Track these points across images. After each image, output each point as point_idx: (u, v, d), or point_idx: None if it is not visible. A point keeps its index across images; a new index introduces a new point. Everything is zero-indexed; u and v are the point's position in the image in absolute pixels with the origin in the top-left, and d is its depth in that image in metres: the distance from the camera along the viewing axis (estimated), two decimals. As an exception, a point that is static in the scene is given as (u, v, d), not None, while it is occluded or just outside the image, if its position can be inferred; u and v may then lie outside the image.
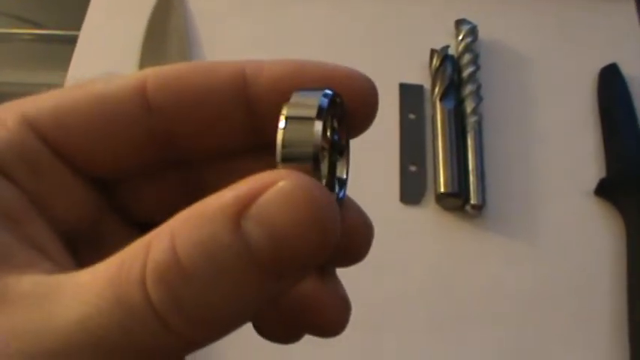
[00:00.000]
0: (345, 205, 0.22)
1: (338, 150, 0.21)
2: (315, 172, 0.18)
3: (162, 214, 0.23)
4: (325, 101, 0.19)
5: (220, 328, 0.17)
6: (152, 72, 0.22)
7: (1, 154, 0.20)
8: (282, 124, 0.19)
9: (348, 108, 0.21)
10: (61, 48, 0.67)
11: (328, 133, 0.21)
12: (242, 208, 0.17)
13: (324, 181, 0.20)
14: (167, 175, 0.24)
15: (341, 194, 0.21)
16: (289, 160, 0.18)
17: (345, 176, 0.22)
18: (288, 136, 0.19)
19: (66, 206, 0.22)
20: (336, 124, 0.21)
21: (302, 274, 0.18)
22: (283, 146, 0.18)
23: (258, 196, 0.17)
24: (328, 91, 0.20)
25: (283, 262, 0.17)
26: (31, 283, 0.18)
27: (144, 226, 0.23)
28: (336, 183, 0.21)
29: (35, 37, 0.72)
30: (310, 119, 0.19)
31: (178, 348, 0.17)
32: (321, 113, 0.19)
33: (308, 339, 0.53)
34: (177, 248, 0.17)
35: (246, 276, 0.17)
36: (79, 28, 0.65)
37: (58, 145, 0.21)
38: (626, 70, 0.63)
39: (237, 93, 0.21)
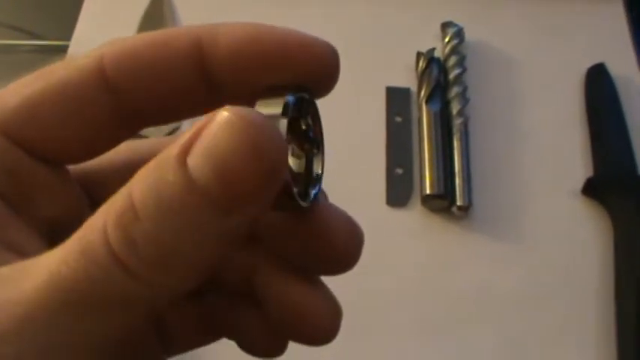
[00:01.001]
0: (330, 211, 0.22)
1: (314, 145, 0.22)
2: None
3: None
4: (291, 99, 0.20)
5: (178, 269, 0.17)
6: (108, 50, 0.21)
7: None
8: None
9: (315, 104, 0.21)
10: (58, 59, 0.67)
11: (304, 128, 0.21)
12: (187, 146, 0.17)
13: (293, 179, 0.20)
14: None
15: (316, 189, 0.21)
16: None
17: (320, 172, 0.22)
18: None
19: (48, 204, 0.22)
20: (310, 121, 0.21)
21: (252, 208, 0.17)
22: None
23: (200, 133, 0.17)
24: (293, 91, 0.20)
25: (228, 191, 0.17)
26: (5, 269, 0.18)
27: None
28: (312, 181, 0.21)
29: (33, 48, 0.73)
30: (276, 117, 0.19)
31: (143, 294, 0.18)
32: (286, 111, 0.19)
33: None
34: (132, 194, 0.17)
35: (194, 210, 0.17)
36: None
37: (28, 142, 0.21)
38: (614, 69, 0.63)
39: (193, 62, 0.21)
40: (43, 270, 0.17)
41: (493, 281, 0.54)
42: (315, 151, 0.22)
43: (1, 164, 0.21)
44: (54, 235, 0.22)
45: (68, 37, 0.67)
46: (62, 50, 0.67)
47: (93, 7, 0.68)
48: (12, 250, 0.20)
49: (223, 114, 0.17)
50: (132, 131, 0.23)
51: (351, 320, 0.51)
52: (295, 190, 0.20)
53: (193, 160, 0.17)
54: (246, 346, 0.24)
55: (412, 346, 0.51)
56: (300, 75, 0.21)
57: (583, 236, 0.56)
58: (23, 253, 0.19)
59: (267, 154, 0.17)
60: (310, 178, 0.22)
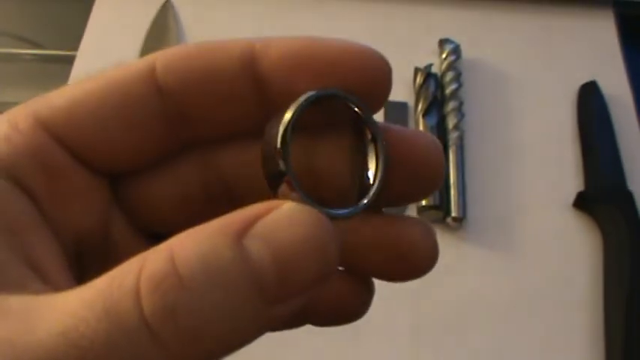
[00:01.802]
0: (399, 131, 0.21)
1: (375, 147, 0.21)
2: (285, 167, 0.18)
3: (174, 219, 0.23)
4: (293, 109, 0.19)
5: (211, 347, 0.16)
6: (161, 54, 0.21)
7: (15, 160, 0.20)
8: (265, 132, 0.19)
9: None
10: (61, 68, 0.66)
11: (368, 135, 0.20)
12: (245, 226, 0.17)
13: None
14: (181, 171, 0.23)
15: (362, 203, 0.20)
16: (265, 157, 0.19)
17: (376, 184, 0.20)
18: (265, 143, 0.19)
19: (79, 209, 0.21)
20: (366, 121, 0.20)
21: (299, 301, 0.17)
22: (262, 148, 0.19)
23: (260, 217, 0.17)
24: (311, 93, 0.19)
25: (282, 282, 0.16)
26: (18, 302, 0.17)
27: (153, 236, 0.23)
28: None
29: (36, 57, 0.73)
30: (281, 122, 0.19)
31: None
32: (292, 116, 0.19)
33: (287, 344, 0.54)
34: (175, 259, 0.16)
35: (244, 293, 0.16)
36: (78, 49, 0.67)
37: (73, 143, 0.20)
38: (605, 87, 0.65)
39: (245, 70, 0.20)
40: (57, 319, 0.16)
41: (485, 291, 0.55)
42: (375, 156, 0.21)
43: (40, 162, 0.20)
44: (80, 245, 0.21)
45: (71, 47, 0.67)
46: (65, 60, 0.67)
47: (100, 17, 0.69)
48: (30, 267, 0.18)
49: (289, 204, 0.17)
50: (178, 141, 0.22)
51: (346, 328, 0.52)
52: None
53: (252, 243, 0.16)
54: (327, 314, 0.23)
55: (406, 353, 0.52)
56: (350, 84, 0.20)
57: (573, 248, 0.57)
58: (41, 270, 0.19)
59: (328, 254, 0.17)
60: (363, 188, 0.21)
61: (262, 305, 0.16)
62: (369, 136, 0.21)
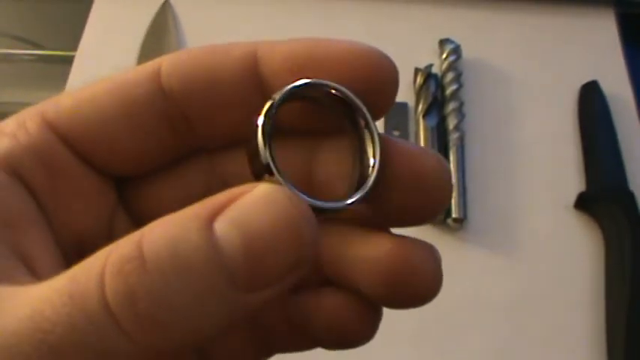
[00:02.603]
0: (409, 149, 0.20)
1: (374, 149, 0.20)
2: (263, 154, 0.18)
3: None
4: (282, 94, 0.19)
5: (176, 335, 0.16)
6: (167, 57, 0.21)
7: (20, 158, 0.20)
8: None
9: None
10: (60, 68, 0.67)
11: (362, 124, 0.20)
12: (215, 211, 0.16)
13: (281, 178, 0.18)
14: (187, 175, 0.23)
15: (356, 197, 0.20)
16: (248, 148, 0.19)
17: (370, 182, 0.20)
18: (249, 139, 0.19)
19: (81, 210, 0.21)
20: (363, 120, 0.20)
21: (272, 291, 0.16)
22: (247, 148, 0.19)
23: (233, 201, 0.16)
24: (288, 87, 0.19)
25: (253, 269, 0.16)
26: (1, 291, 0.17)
27: None
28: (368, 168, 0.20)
29: (35, 58, 0.73)
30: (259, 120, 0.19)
31: (129, 352, 0.16)
32: (268, 111, 0.19)
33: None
34: (142, 244, 0.16)
35: (211, 279, 0.15)
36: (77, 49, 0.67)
37: (78, 143, 0.21)
38: (606, 87, 0.65)
39: (249, 73, 0.20)
40: (26, 304, 0.16)
41: (486, 292, 0.55)
42: (372, 151, 0.20)
43: (43, 160, 0.20)
44: (82, 245, 0.21)
45: (70, 47, 0.67)
46: (64, 60, 0.67)
47: (99, 18, 0.69)
48: (21, 259, 0.18)
49: (264, 186, 0.16)
50: (183, 144, 0.22)
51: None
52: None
53: (221, 226, 0.16)
54: (331, 341, 0.22)
55: (407, 354, 0.52)
56: (356, 87, 0.20)
57: (575, 249, 0.57)
58: (32, 264, 0.19)
59: (303, 240, 0.16)
60: (359, 182, 0.20)
61: (232, 293, 0.16)
62: (366, 134, 0.20)
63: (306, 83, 0.19)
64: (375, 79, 0.20)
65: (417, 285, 0.21)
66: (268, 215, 0.16)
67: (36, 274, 0.18)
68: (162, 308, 0.15)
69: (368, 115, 0.20)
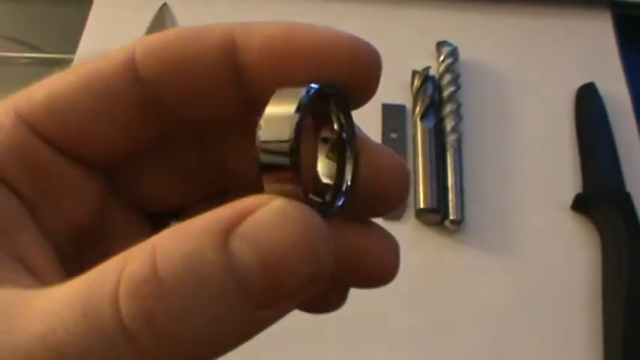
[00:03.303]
0: (372, 148, 0.20)
1: (347, 150, 0.20)
2: (292, 164, 0.17)
3: (169, 197, 0.23)
4: (305, 95, 0.18)
5: (192, 353, 0.16)
6: (140, 42, 0.20)
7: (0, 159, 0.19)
8: (261, 120, 0.18)
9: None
10: (58, 71, 0.67)
11: (336, 128, 0.20)
12: (230, 226, 0.16)
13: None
14: (169, 154, 0.23)
15: (341, 200, 0.20)
16: (266, 150, 0.17)
17: (349, 181, 0.20)
18: (266, 133, 0.18)
19: (70, 202, 0.21)
20: (343, 121, 0.20)
21: (288, 306, 0.16)
22: (262, 141, 0.18)
23: (247, 215, 0.16)
24: (313, 86, 0.18)
25: (270, 286, 0.16)
26: (3, 295, 0.16)
27: (152, 216, 0.23)
28: (342, 183, 0.20)
29: (33, 61, 0.73)
30: (291, 105, 0.18)
31: None
32: (300, 108, 0.18)
33: (285, 348, 0.54)
34: (157, 261, 0.15)
35: (228, 297, 0.15)
36: (76, 52, 0.67)
37: (55, 137, 0.20)
38: (603, 88, 0.65)
39: (225, 60, 0.20)
40: (37, 319, 0.16)
41: (484, 293, 0.55)
42: (348, 155, 0.20)
43: (24, 160, 0.20)
44: (77, 237, 0.21)
45: (68, 50, 0.67)
46: (62, 63, 0.67)
47: (97, 20, 0.69)
48: (19, 261, 0.18)
49: (277, 202, 0.16)
50: (158, 130, 0.21)
51: (345, 330, 0.52)
52: (317, 199, 0.19)
53: (237, 243, 0.15)
54: (303, 304, 0.22)
55: (405, 355, 0.52)
56: (337, 77, 0.19)
57: (572, 250, 0.57)
58: (30, 265, 0.18)
59: (319, 257, 0.16)
60: (339, 187, 0.20)
61: (248, 310, 0.16)
62: (343, 136, 0.20)
63: (325, 90, 0.19)
64: (360, 69, 0.19)
65: (372, 272, 0.21)
66: (284, 233, 0.16)
67: (36, 274, 0.18)
68: (180, 328, 0.15)
69: (352, 128, 0.20)
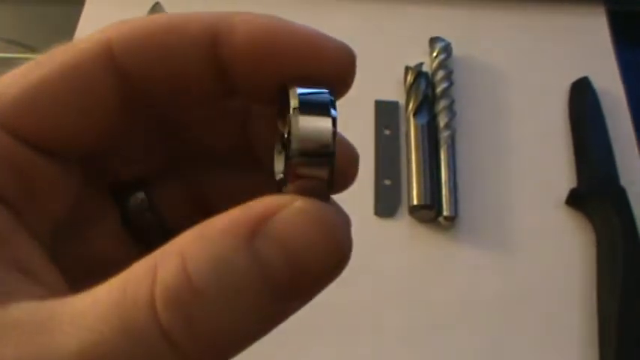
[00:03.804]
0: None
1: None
2: (329, 170, 0.18)
3: (133, 168, 0.23)
4: (331, 99, 0.19)
5: (229, 350, 0.17)
6: (116, 31, 0.20)
7: None
8: (295, 113, 0.18)
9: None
10: None
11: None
12: (255, 227, 0.16)
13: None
14: (135, 128, 0.22)
15: None
16: (305, 154, 0.18)
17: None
18: (304, 132, 0.18)
19: (52, 200, 0.20)
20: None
21: (309, 298, 0.17)
22: (300, 140, 0.18)
23: (271, 216, 0.17)
24: (325, 91, 0.19)
25: (298, 282, 0.16)
26: (22, 311, 0.16)
27: (115, 189, 0.23)
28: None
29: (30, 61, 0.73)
30: (325, 116, 0.18)
31: None
32: (333, 111, 0.18)
33: (282, 344, 0.54)
34: (188, 269, 0.16)
35: (260, 297, 0.16)
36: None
37: (33, 136, 0.19)
38: (597, 83, 0.65)
39: (207, 52, 0.20)
40: (74, 335, 0.16)
41: (478, 289, 0.55)
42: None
43: (5, 165, 0.19)
44: (58, 234, 0.21)
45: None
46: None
47: (89, 20, 0.69)
48: (22, 271, 0.18)
49: (299, 203, 0.17)
50: (141, 118, 0.21)
51: (339, 327, 0.52)
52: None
53: (264, 246, 0.16)
54: None
55: (399, 352, 0.52)
56: (313, 75, 0.20)
57: (566, 246, 0.57)
58: (33, 274, 0.18)
59: (342, 253, 0.17)
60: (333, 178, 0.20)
61: (275, 304, 0.17)
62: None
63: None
64: (335, 71, 0.20)
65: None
66: (310, 233, 0.16)
67: (38, 281, 0.18)
68: (217, 329, 0.16)
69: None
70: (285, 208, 0.17)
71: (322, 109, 0.18)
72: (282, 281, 0.16)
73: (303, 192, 0.18)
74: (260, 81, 0.20)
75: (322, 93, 0.19)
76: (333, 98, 0.19)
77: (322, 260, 0.17)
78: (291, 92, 0.19)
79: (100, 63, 0.20)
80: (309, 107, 0.18)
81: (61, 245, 0.21)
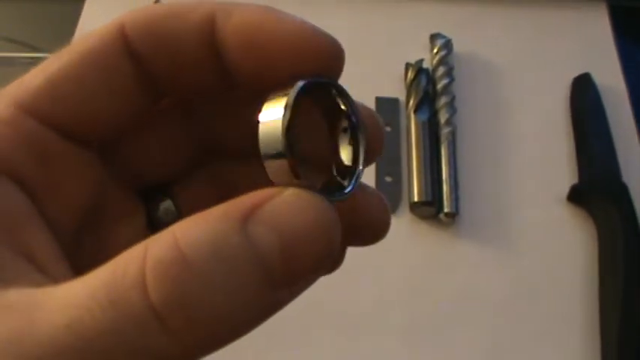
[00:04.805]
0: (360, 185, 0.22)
1: (355, 134, 0.21)
2: (288, 156, 0.18)
3: (158, 171, 0.24)
4: (297, 90, 0.19)
5: (219, 332, 0.16)
6: (129, 17, 0.21)
7: (6, 152, 0.19)
8: (260, 117, 0.19)
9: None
10: None
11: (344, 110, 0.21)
12: (248, 212, 0.17)
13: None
14: (158, 127, 0.23)
15: (351, 185, 0.21)
16: (265, 148, 0.19)
17: (359, 165, 0.21)
18: (263, 128, 0.19)
19: (73, 187, 0.21)
20: (347, 106, 0.21)
21: (306, 282, 0.18)
22: (260, 138, 0.19)
23: (262, 204, 0.17)
24: (300, 83, 0.19)
25: (287, 267, 0.17)
26: (18, 294, 0.17)
27: (143, 193, 0.24)
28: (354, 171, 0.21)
29: (31, 61, 0.73)
30: (280, 109, 0.19)
31: (173, 353, 0.16)
32: (290, 103, 0.19)
33: (285, 341, 0.54)
34: (181, 245, 0.16)
35: (251, 277, 0.16)
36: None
37: (59, 122, 0.20)
38: (599, 79, 0.64)
39: (205, 40, 0.20)
40: (61, 311, 0.16)
41: (479, 286, 0.55)
42: (355, 141, 0.21)
43: (31, 149, 0.20)
44: (75, 224, 0.21)
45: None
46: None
47: (89, 19, 0.69)
48: (26, 259, 0.18)
49: (290, 191, 0.17)
50: (154, 100, 0.22)
51: (342, 324, 0.52)
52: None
53: (257, 229, 0.17)
54: None
55: (400, 349, 0.52)
56: (303, 68, 0.20)
57: (568, 242, 0.57)
58: (37, 262, 0.18)
59: (332, 240, 0.17)
60: (347, 169, 0.21)
61: (268, 290, 0.17)
62: (346, 123, 0.21)
63: (318, 82, 0.20)
64: (323, 66, 0.20)
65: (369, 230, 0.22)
66: (301, 218, 0.17)
67: (45, 272, 0.18)
68: (209, 308, 0.16)
69: (357, 114, 0.21)
70: (277, 196, 0.17)
71: (281, 101, 0.19)
72: (274, 264, 0.16)
73: (290, 185, 0.18)
74: (251, 69, 0.21)
75: (297, 85, 0.19)
76: (299, 86, 0.19)
77: (313, 244, 0.17)
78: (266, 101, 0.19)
79: (116, 47, 0.20)
80: (273, 102, 0.19)
81: (85, 243, 0.21)
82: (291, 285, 0.17)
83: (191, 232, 0.16)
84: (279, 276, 0.17)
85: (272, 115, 0.19)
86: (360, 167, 0.21)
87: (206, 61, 0.21)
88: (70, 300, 0.16)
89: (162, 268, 0.16)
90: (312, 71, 0.20)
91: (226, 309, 0.16)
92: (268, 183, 0.19)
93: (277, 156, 0.19)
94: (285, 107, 0.19)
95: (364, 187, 0.23)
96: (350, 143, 0.21)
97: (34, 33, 0.74)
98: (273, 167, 0.19)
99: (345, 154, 0.21)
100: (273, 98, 0.19)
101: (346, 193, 0.20)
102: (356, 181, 0.21)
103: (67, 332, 0.16)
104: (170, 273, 0.16)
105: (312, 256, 0.17)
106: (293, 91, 0.19)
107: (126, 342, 0.16)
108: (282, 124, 0.18)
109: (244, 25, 0.20)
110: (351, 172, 0.21)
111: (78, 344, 0.16)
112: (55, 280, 0.18)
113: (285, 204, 0.17)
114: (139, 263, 0.16)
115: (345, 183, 0.21)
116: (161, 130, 0.24)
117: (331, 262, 0.18)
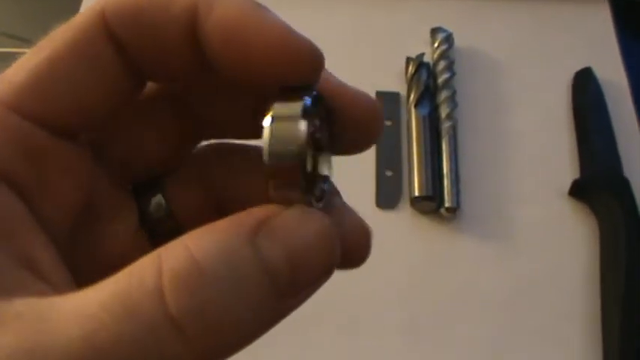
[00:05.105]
0: (343, 210, 0.22)
1: (320, 147, 0.21)
2: (302, 170, 0.19)
3: (148, 165, 0.24)
4: (309, 101, 0.20)
5: (232, 340, 0.17)
6: (110, 5, 0.20)
7: None
8: (267, 121, 0.19)
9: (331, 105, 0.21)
10: None
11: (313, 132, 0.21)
12: (256, 226, 0.18)
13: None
14: (146, 119, 0.23)
15: (324, 187, 0.21)
16: (276, 156, 0.19)
17: (326, 172, 0.22)
18: (275, 134, 0.19)
19: (65, 186, 0.20)
20: (317, 122, 0.21)
21: (310, 292, 0.19)
22: (270, 144, 0.19)
23: (267, 220, 0.18)
24: (311, 93, 0.20)
25: (296, 277, 0.18)
26: (24, 304, 0.17)
27: (134, 190, 0.24)
28: (319, 180, 0.21)
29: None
30: (296, 118, 0.19)
31: None
32: (306, 112, 0.19)
33: (284, 339, 0.54)
34: (195, 256, 0.17)
35: (261, 288, 0.17)
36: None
37: (48, 117, 0.20)
38: (600, 73, 0.64)
39: (187, 30, 0.20)
40: (75, 323, 0.16)
41: (480, 281, 0.55)
42: (322, 150, 0.21)
43: (21, 148, 0.19)
44: (69, 223, 0.21)
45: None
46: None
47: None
48: (27, 267, 0.18)
49: (297, 207, 0.18)
50: (139, 84, 0.22)
51: (342, 319, 0.52)
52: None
53: (264, 242, 0.18)
54: None
55: (401, 345, 0.52)
56: (282, 72, 0.20)
57: (570, 237, 0.57)
58: (38, 270, 0.18)
59: (334, 253, 0.19)
60: (317, 176, 0.21)
61: (275, 298, 0.18)
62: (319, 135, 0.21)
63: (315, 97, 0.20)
64: (300, 72, 0.20)
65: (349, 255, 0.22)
66: (306, 232, 0.18)
67: (44, 277, 0.18)
68: (226, 316, 0.17)
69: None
70: (284, 212, 0.18)
71: (295, 110, 0.19)
72: (281, 275, 0.18)
73: (288, 196, 0.19)
74: (232, 63, 0.20)
75: (304, 97, 0.20)
76: (311, 97, 0.20)
77: (317, 256, 0.18)
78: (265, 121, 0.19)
79: (98, 34, 0.20)
80: (284, 110, 0.19)
81: (79, 242, 0.22)
82: (297, 294, 0.18)
83: (204, 244, 0.17)
84: (286, 286, 0.18)
85: (284, 131, 0.19)
86: (328, 179, 0.21)
87: (188, 50, 0.21)
88: (83, 310, 0.16)
89: (181, 278, 0.16)
90: (291, 76, 0.20)
91: (238, 316, 0.17)
92: (253, 182, 0.20)
93: (287, 170, 0.19)
94: (302, 133, 0.19)
95: (346, 210, 0.23)
96: (322, 152, 0.21)
97: (33, 28, 0.74)
98: (280, 179, 0.19)
99: (321, 163, 0.22)
100: (279, 109, 0.19)
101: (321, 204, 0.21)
102: (323, 193, 0.21)
103: (85, 345, 0.16)
104: (189, 283, 0.16)
105: (316, 267, 0.18)
106: (306, 103, 0.19)
107: (141, 350, 0.16)
108: (300, 142, 0.19)
109: (225, 21, 0.20)
110: (319, 183, 0.21)
111: (93, 355, 0.16)
112: (57, 287, 0.18)
113: (291, 218, 0.18)
114: (154, 274, 0.16)
115: (317, 192, 0.21)
116: (148, 119, 0.24)
117: (333, 271, 0.19)
